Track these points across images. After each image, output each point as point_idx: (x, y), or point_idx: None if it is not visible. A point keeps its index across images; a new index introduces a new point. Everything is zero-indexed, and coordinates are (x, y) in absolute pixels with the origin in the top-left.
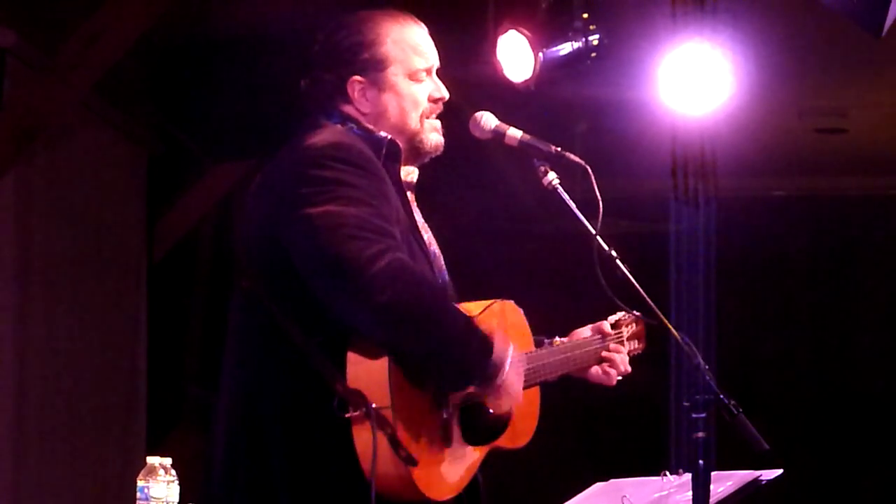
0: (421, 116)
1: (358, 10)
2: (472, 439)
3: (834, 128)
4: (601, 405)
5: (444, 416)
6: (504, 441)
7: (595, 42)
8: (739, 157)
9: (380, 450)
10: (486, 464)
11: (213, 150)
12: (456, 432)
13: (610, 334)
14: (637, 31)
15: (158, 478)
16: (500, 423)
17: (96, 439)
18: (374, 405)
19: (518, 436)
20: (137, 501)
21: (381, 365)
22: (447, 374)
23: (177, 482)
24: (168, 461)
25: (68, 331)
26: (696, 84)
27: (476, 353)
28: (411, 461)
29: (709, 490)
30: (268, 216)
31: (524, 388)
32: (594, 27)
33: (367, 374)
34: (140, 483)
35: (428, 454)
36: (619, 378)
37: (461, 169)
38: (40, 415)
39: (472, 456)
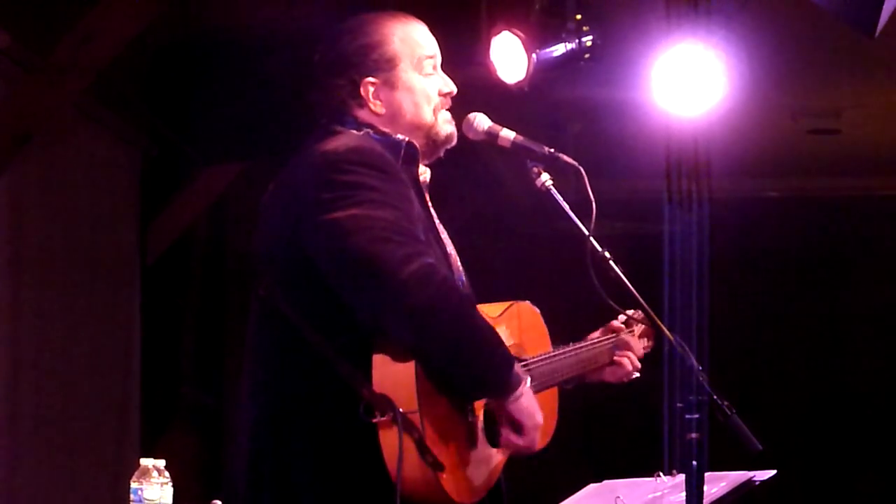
0: (434, 110)
1: (357, 14)
2: (496, 441)
3: (827, 129)
4: (595, 406)
5: (469, 419)
6: None
7: (588, 43)
8: (733, 158)
9: (406, 455)
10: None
11: (206, 152)
12: (481, 434)
13: (621, 328)
14: (630, 32)
15: (152, 479)
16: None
17: (90, 441)
18: (401, 409)
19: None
20: (131, 503)
21: (408, 369)
22: (466, 380)
23: (170, 484)
24: (162, 463)
25: (62, 333)
26: (689, 85)
27: (498, 366)
28: (438, 467)
29: (702, 491)
30: (287, 223)
31: (542, 389)
32: (587, 28)
33: (394, 378)
34: (133, 485)
35: (454, 458)
36: (637, 375)
37: (454, 170)
38: (34, 416)
39: (497, 458)
